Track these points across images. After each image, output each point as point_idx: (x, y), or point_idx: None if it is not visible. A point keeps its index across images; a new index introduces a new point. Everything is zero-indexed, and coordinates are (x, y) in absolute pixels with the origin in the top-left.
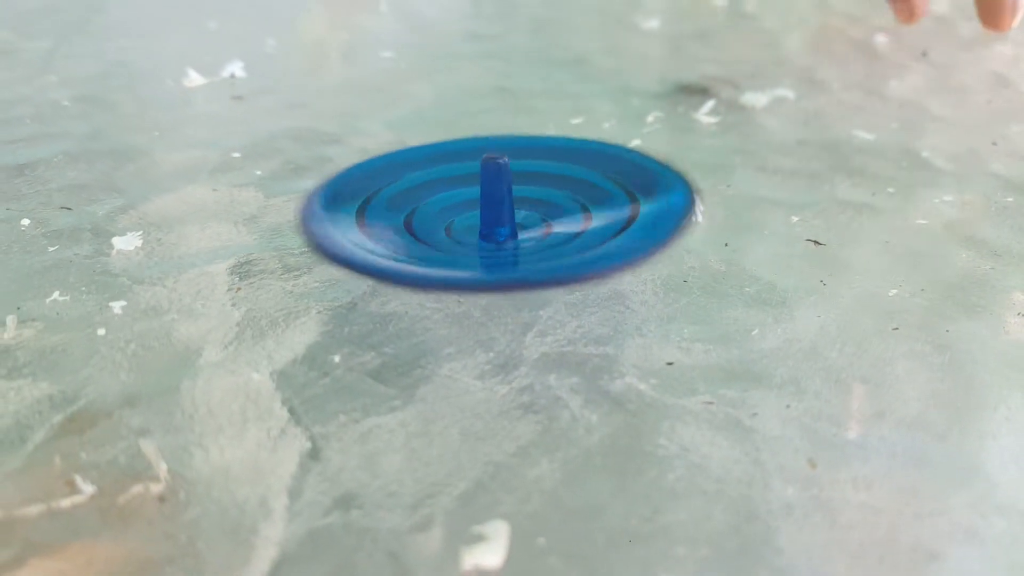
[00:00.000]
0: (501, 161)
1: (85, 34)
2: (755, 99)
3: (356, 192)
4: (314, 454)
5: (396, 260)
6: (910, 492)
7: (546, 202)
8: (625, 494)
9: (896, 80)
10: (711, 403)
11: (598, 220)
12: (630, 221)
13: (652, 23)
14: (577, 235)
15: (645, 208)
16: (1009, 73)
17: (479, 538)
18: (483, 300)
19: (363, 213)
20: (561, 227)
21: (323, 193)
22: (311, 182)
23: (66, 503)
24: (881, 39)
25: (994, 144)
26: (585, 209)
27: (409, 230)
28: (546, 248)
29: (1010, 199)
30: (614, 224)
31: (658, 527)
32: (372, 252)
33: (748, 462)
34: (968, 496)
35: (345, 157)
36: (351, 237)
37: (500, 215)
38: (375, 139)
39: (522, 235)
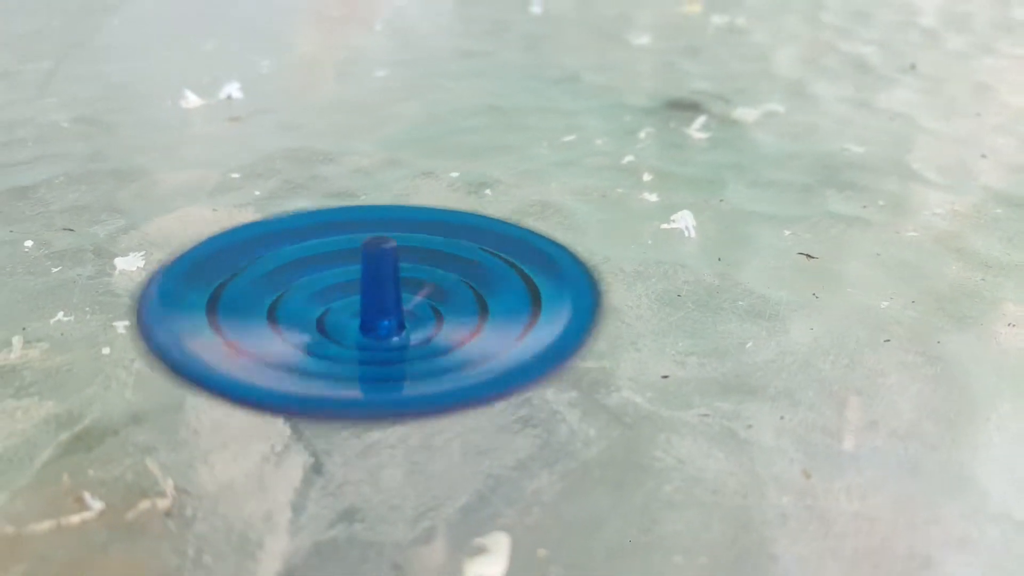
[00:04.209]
0: (386, 246)
1: (84, 56)
2: (746, 114)
3: (208, 277)
4: (317, 468)
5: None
6: (904, 501)
7: (432, 283)
8: (623, 506)
9: (885, 93)
10: (707, 415)
11: (493, 314)
12: (531, 318)
13: (643, 39)
14: (474, 331)
15: (544, 298)
16: (997, 85)
17: (480, 550)
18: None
19: (215, 307)
20: (453, 324)
21: (166, 279)
22: (307, 201)
23: (75, 519)
24: (870, 52)
25: (983, 156)
26: (477, 294)
27: (274, 322)
28: (440, 353)
29: (999, 211)
30: (511, 320)
31: (656, 538)
32: (222, 370)
33: (744, 473)
34: (961, 505)
35: (339, 176)
36: (201, 344)
37: (384, 305)
38: (369, 158)
39: (409, 328)
